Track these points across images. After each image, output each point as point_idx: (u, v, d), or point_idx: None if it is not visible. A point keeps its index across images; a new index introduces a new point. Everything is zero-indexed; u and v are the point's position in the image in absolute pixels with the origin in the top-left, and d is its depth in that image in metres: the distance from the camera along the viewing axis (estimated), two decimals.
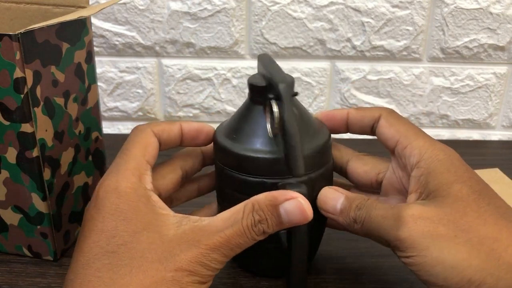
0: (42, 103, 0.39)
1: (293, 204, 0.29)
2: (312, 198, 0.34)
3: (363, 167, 0.38)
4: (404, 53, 0.69)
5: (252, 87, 0.34)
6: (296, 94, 0.33)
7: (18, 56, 0.36)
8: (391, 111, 0.37)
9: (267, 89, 0.33)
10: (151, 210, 0.30)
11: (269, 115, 0.33)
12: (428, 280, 0.30)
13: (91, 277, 0.28)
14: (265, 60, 0.35)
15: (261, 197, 0.29)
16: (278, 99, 0.31)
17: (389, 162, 0.37)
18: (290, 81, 0.32)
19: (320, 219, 0.36)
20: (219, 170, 0.37)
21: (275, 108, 0.31)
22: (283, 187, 0.32)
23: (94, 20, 0.68)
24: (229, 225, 0.29)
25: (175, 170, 0.37)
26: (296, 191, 0.30)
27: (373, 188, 0.38)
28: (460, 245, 0.29)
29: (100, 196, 0.31)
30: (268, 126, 0.33)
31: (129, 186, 0.31)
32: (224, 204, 0.37)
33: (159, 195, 0.33)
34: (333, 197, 0.34)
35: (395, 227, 0.30)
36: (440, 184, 0.31)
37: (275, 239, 0.34)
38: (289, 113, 0.30)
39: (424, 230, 0.30)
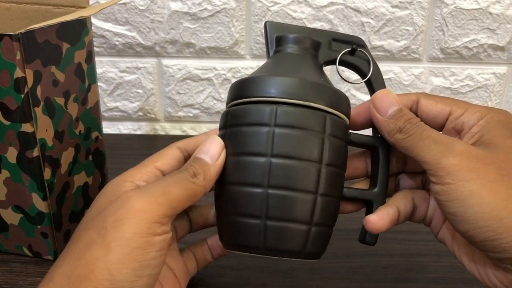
0: (42, 103, 0.39)
1: (206, 142, 0.33)
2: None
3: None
4: (404, 53, 0.70)
5: (313, 42, 0.35)
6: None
7: (18, 56, 0.36)
8: (427, 93, 0.37)
9: (327, 44, 0.36)
10: (114, 191, 0.31)
11: (360, 60, 0.37)
12: (457, 212, 0.30)
13: (57, 260, 0.29)
14: (289, 27, 0.36)
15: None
16: (356, 49, 0.36)
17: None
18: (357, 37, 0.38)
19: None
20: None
21: (368, 55, 0.37)
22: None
23: (94, 20, 0.68)
24: (162, 178, 0.31)
25: (172, 148, 0.37)
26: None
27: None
28: (503, 187, 0.29)
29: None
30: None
31: (114, 183, 0.32)
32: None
33: (163, 174, 0.34)
34: (390, 102, 0.34)
35: (444, 153, 0.30)
36: (495, 137, 0.31)
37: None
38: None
39: (473, 166, 0.30)
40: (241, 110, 0.32)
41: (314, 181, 0.31)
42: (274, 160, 0.31)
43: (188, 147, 0.36)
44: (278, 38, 0.36)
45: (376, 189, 0.35)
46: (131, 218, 0.27)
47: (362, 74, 0.37)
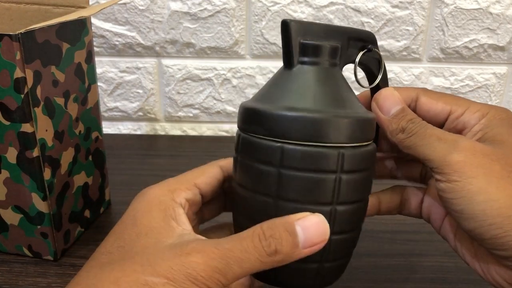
0: (42, 103, 0.39)
1: (312, 220, 0.27)
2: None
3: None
4: (404, 53, 0.70)
5: (332, 48, 0.32)
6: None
7: (18, 56, 0.36)
8: (427, 89, 0.36)
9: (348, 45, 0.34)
10: (163, 218, 0.29)
11: (373, 61, 0.35)
12: (464, 210, 0.29)
13: (83, 272, 0.27)
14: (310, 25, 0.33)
15: (274, 219, 0.27)
16: (372, 49, 0.34)
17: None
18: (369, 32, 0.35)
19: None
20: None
21: (379, 55, 0.35)
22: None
23: (94, 20, 0.68)
24: (231, 239, 0.26)
25: (213, 166, 0.34)
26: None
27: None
28: (509, 184, 0.29)
29: (133, 200, 0.31)
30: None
31: (155, 194, 0.30)
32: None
33: (200, 193, 0.32)
34: (393, 101, 0.33)
35: (449, 150, 0.30)
36: (499, 134, 0.31)
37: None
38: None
39: (479, 162, 0.29)
40: (250, 141, 0.30)
41: None
42: (281, 202, 0.29)
43: (230, 168, 0.33)
44: (304, 45, 0.31)
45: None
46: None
47: (371, 75, 0.36)
